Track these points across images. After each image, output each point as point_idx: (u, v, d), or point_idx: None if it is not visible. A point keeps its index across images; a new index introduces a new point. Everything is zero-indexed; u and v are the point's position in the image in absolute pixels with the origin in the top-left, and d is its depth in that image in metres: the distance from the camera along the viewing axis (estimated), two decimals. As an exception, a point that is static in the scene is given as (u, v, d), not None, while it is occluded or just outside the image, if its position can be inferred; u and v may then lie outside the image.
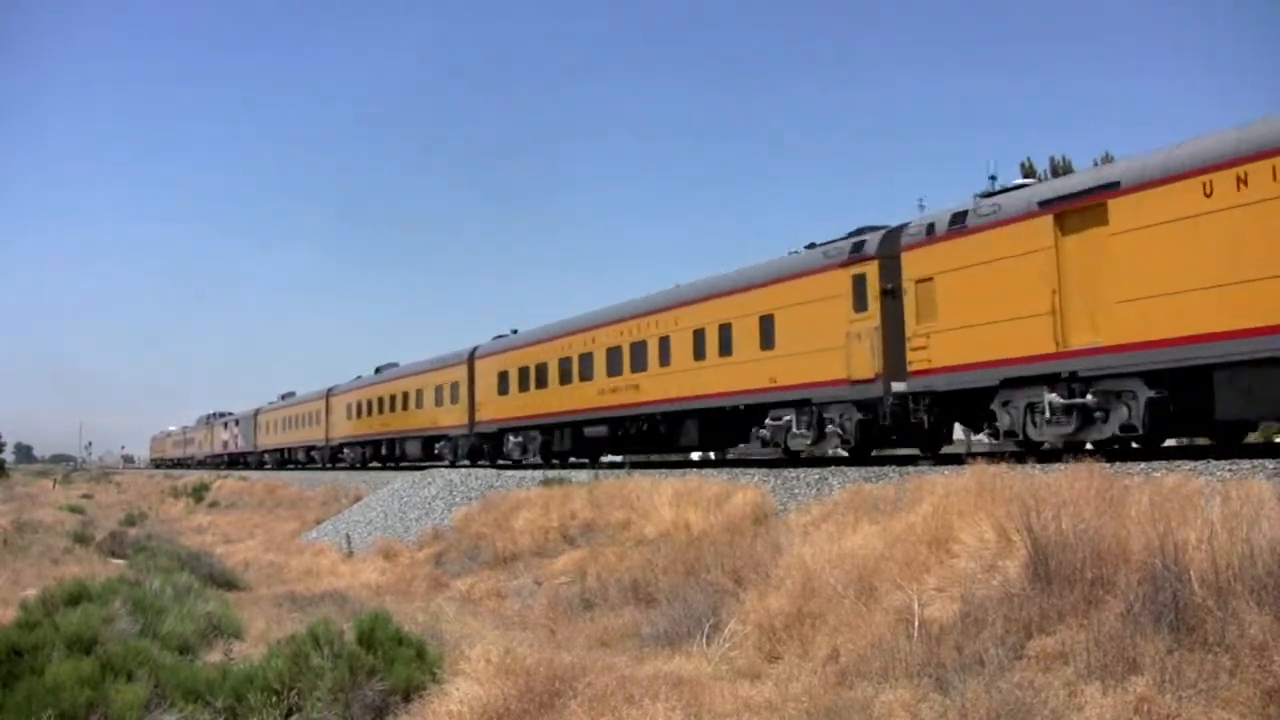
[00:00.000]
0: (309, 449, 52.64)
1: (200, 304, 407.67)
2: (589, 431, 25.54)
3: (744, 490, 15.43)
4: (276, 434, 58.76)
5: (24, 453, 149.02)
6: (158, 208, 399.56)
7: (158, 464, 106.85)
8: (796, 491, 14.96)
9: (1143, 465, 11.11)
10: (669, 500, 15.91)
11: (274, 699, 7.67)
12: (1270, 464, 10.13)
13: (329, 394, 48.47)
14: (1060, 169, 30.28)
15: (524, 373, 28.78)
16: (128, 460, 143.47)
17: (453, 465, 31.65)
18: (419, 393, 37.12)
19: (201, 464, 79.61)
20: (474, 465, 30.62)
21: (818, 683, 7.61)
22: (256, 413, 64.24)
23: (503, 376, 30.37)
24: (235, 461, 69.99)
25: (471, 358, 32.88)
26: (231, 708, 7.68)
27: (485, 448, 31.44)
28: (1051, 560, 7.68)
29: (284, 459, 57.87)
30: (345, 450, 46.09)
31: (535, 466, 27.08)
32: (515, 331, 32.49)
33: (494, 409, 30.87)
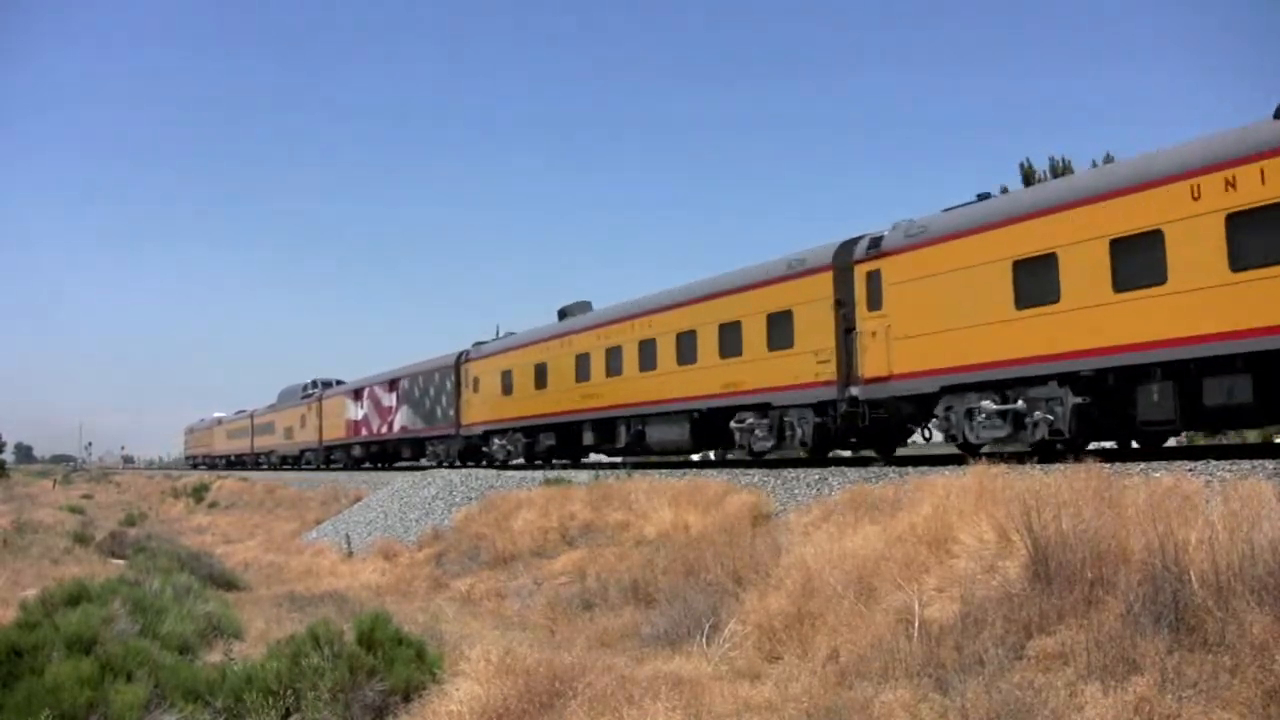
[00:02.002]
0: (650, 418, 22.50)
1: (199, 304, 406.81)
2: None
3: (743, 491, 15.43)
4: (527, 397, 28.25)
5: (24, 453, 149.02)
6: (158, 208, 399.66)
7: (197, 463, 79.96)
8: (796, 492, 14.95)
9: (1141, 465, 11.11)
10: (668, 501, 15.90)
11: (273, 699, 7.67)
12: (1270, 464, 10.13)
13: (777, 278, 19.02)
14: (1060, 169, 30.27)
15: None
16: (128, 460, 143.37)
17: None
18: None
19: (289, 460, 55.46)
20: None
21: (817, 683, 7.60)
22: (461, 360, 32.66)
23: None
24: (388, 455, 41.15)
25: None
26: (231, 708, 7.68)
27: None
28: (1051, 560, 7.68)
29: (524, 452, 28.52)
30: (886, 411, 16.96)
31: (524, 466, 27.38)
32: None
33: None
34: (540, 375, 27.76)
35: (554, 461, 27.71)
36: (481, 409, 31.57)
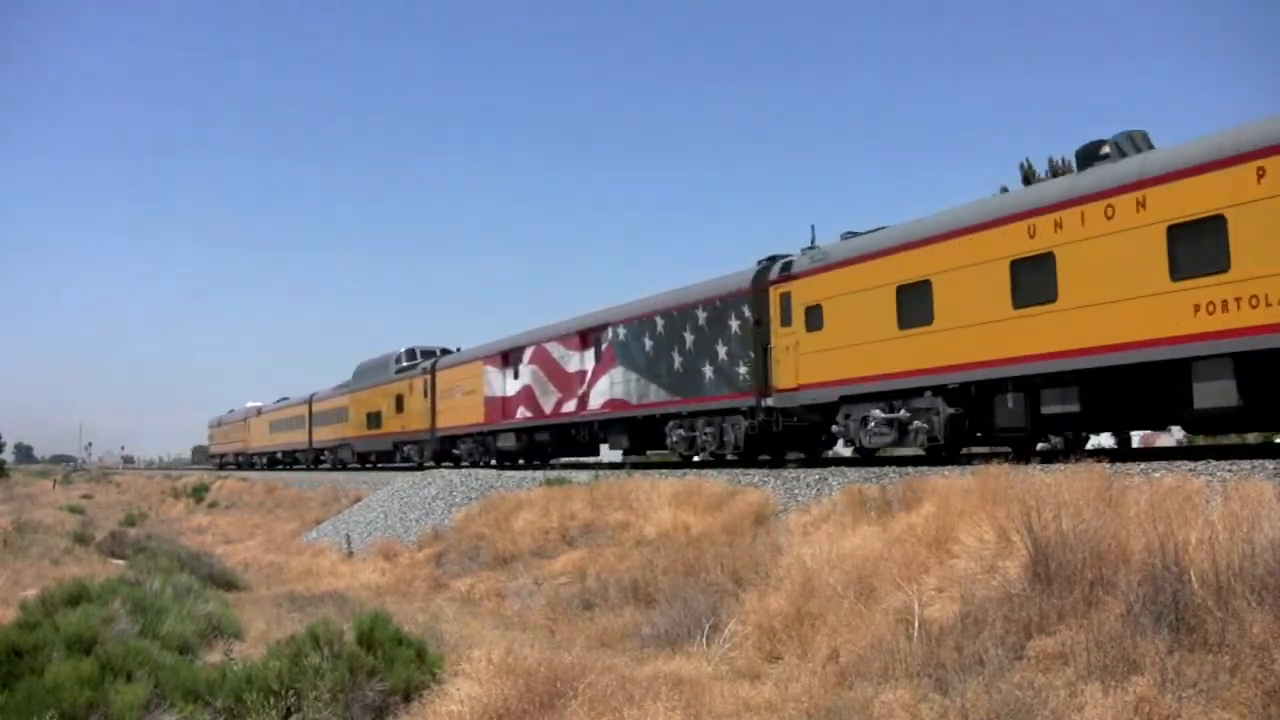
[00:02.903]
0: None
1: (201, 306, 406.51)
2: None
3: (743, 491, 15.43)
4: (974, 324, 14.15)
5: (24, 453, 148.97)
6: (158, 207, 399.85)
7: (225, 462, 67.54)
8: (796, 492, 14.95)
9: (1142, 465, 11.11)
10: (668, 501, 15.91)
11: (274, 699, 7.67)
12: (1270, 464, 10.12)
13: None
14: (1059, 169, 30.26)
15: None
16: (128, 461, 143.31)
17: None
18: None
19: (369, 458, 41.78)
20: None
21: (817, 683, 7.61)
22: (768, 280, 18.52)
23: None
24: (576, 445, 26.05)
25: None
26: (231, 708, 7.67)
27: None
28: (1051, 561, 7.69)
29: (948, 431, 14.70)
30: None
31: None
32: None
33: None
34: (1026, 280, 13.64)
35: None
36: (827, 360, 17.21)
